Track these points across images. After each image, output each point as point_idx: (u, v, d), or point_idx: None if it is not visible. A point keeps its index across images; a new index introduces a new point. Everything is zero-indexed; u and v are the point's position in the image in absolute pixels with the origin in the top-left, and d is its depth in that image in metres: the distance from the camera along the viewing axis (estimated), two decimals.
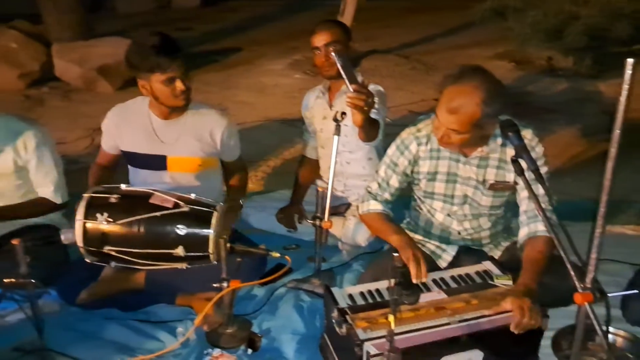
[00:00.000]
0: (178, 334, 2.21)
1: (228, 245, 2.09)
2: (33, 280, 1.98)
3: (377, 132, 2.40)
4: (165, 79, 2.33)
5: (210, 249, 2.15)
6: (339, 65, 2.11)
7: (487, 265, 2.11)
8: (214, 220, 2.16)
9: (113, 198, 2.17)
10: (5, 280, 1.98)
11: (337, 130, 2.30)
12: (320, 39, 2.60)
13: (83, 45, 6.36)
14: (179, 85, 2.36)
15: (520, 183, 2.08)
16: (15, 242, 1.94)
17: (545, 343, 1.97)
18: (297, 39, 7.73)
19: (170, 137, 2.49)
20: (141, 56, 2.33)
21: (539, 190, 1.85)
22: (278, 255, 2.20)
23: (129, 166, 2.63)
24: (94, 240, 2.13)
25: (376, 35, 7.79)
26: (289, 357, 2.08)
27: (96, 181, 2.56)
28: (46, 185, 2.52)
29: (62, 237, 2.16)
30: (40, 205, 2.54)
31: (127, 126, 2.51)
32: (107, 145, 2.63)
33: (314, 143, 2.94)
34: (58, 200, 2.55)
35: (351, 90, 2.05)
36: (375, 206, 2.26)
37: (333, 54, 2.22)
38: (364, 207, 2.30)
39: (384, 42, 7.47)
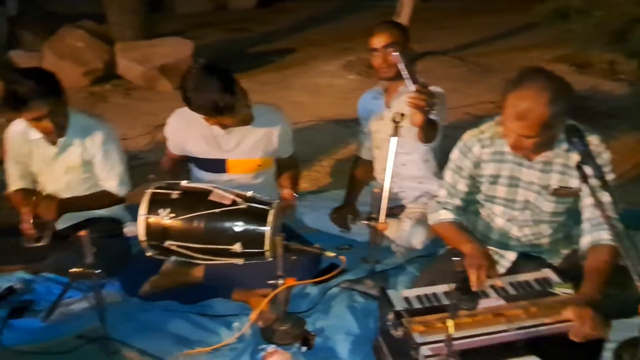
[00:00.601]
0: (234, 328, 2.25)
1: (284, 243, 2.12)
2: (97, 271, 2.07)
3: (436, 133, 2.39)
4: (233, 115, 2.40)
5: (266, 246, 2.18)
6: (401, 66, 2.10)
7: (547, 272, 2.06)
8: (270, 218, 2.19)
9: (174, 194, 2.23)
10: (71, 270, 2.06)
11: (396, 132, 2.30)
12: (378, 41, 2.59)
13: (145, 45, 6.52)
14: (244, 112, 2.45)
15: (584, 190, 2.03)
16: (82, 233, 2.03)
17: (607, 355, 1.91)
18: (351, 40, 7.73)
19: (230, 144, 2.56)
20: (207, 107, 2.34)
21: (604, 197, 1.80)
22: (333, 255, 2.21)
23: (191, 164, 2.71)
24: (156, 234, 2.20)
25: (431, 36, 7.71)
26: (342, 357, 2.09)
27: (168, 168, 2.71)
28: (111, 179, 2.62)
29: (126, 230, 2.24)
30: (106, 198, 2.64)
31: (187, 133, 2.57)
32: (172, 147, 2.72)
33: (369, 144, 2.93)
34: (122, 193, 2.64)
35: (412, 90, 2.04)
36: (445, 215, 2.22)
37: (395, 54, 2.22)
38: (434, 218, 2.27)
39: (439, 44, 7.38)
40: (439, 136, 2.50)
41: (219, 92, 2.29)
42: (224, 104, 2.31)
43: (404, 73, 2.10)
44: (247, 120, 2.51)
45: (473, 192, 2.24)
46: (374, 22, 2.76)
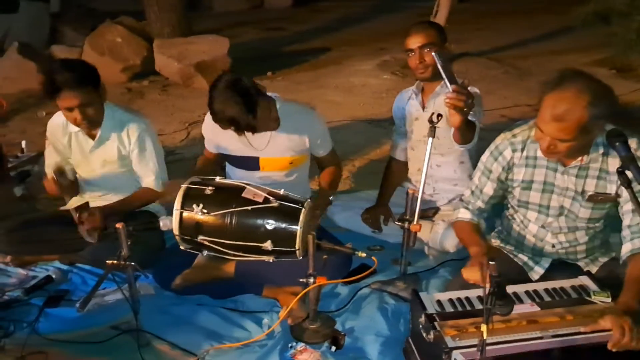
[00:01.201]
0: (264, 325, 2.27)
1: (316, 241, 2.12)
2: (132, 263, 2.10)
3: (473, 135, 2.35)
4: (254, 131, 2.43)
5: (297, 244, 2.18)
6: (439, 66, 2.08)
7: (584, 280, 2.01)
8: (301, 217, 2.19)
9: (208, 190, 2.25)
10: (108, 261, 2.09)
11: (432, 132, 2.27)
12: (415, 41, 2.56)
13: (182, 42, 6.61)
14: (267, 125, 2.50)
15: (623, 195, 1.97)
16: (119, 225, 2.06)
17: None
18: (386, 40, 7.71)
19: (262, 143, 2.57)
20: (229, 124, 2.35)
21: None
22: (364, 255, 2.20)
23: (226, 162, 2.75)
24: (189, 229, 2.23)
25: (467, 37, 7.65)
26: (372, 358, 2.07)
27: (202, 167, 2.73)
28: (147, 174, 2.65)
29: (161, 223, 2.26)
30: (146, 195, 2.67)
31: (221, 132, 2.57)
32: (208, 146, 2.76)
33: (403, 144, 2.91)
34: (159, 188, 2.67)
35: (451, 90, 2.01)
36: (463, 214, 2.22)
37: (434, 54, 2.20)
38: (454, 215, 2.28)
39: (475, 45, 7.32)
40: (476, 138, 2.46)
41: (240, 113, 2.29)
42: (245, 124, 2.33)
43: (442, 73, 2.07)
44: (272, 128, 2.54)
45: (500, 196, 2.22)
46: (409, 22, 2.74)
